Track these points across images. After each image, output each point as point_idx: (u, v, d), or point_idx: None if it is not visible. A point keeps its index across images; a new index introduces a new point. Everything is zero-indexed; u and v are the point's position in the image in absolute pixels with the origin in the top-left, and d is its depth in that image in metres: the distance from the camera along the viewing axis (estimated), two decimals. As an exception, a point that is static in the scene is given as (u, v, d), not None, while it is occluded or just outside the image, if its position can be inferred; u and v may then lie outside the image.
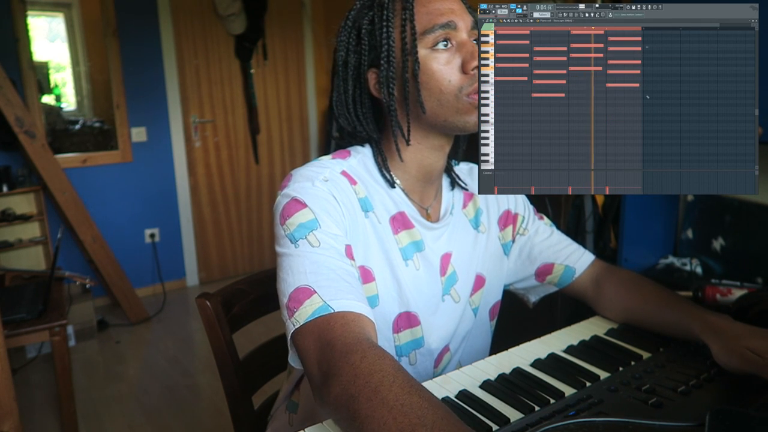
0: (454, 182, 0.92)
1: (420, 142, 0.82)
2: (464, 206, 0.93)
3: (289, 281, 0.69)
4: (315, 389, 0.62)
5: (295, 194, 0.75)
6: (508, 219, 0.97)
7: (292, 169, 0.81)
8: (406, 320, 0.83)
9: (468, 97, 0.76)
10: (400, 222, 0.83)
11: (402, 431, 0.50)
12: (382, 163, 0.83)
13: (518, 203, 0.99)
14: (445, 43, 0.76)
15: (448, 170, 0.93)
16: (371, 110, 0.83)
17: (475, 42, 0.76)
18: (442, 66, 0.76)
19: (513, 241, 0.98)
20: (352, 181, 0.80)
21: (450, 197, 0.91)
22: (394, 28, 0.77)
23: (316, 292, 0.67)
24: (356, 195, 0.79)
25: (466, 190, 0.94)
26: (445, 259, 0.87)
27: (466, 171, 0.98)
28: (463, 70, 0.75)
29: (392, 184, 0.83)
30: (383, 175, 0.83)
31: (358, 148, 0.85)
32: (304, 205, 0.73)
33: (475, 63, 0.73)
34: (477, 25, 0.76)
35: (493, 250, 0.95)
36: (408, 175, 0.84)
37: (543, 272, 0.98)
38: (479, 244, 0.92)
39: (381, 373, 0.55)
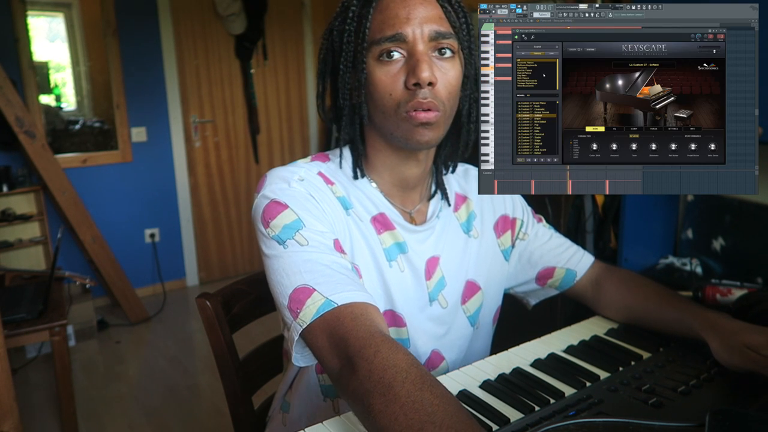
0: (437, 191, 0.89)
1: (385, 148, 0.80)
2: (456, 209, 0.91)
3: (286, 283, 0.69)
4: (335, 382, 0.63)
5: (274, 196, 0.74)
6: (505, 224, 0.95)
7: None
8: (392, 319, 0.82)
9: (407, 113, 0.72)
10: (381, 223, 0.82)
11: (411, 427, 0.51)
12: (356, 160, 0.82)
13: (516, 207, 0.97)
14: (390, 54, 0.72)
15: (438, 177, 0.89)
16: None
17: (439, 53, 0.73)
18: (384, 77, 0.73)
19: (513, 246, 0.96)
20: (329, 182, 0.80)
21: (438, 200, 0.89)
22: (353, 33, 0.75)
23: (315, 290, 0.67)
24: (334, 194, 0.79)
25: (449, 205, 0.90)
26: (432, 263, 0.85)
27: (461, 172, 0.96)
28: (405, 84, 0.72)
29: (357, 177, 0.81)
30: (354, 170, 0.82)
31: (337, 151, 0.84)
32: (285, 206, 0.73)
33: (415, 79, 0.70)
34: (457, 33, 0.74)
35: (490, 257, 0.92)
36: (383, 179, 0.83)
37: (544, 276, 0.97)
38: (470, 249, 0.90)
39: (394, 369, 0.56)
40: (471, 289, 0.90)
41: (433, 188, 0.89)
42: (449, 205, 0.90)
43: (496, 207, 0.95)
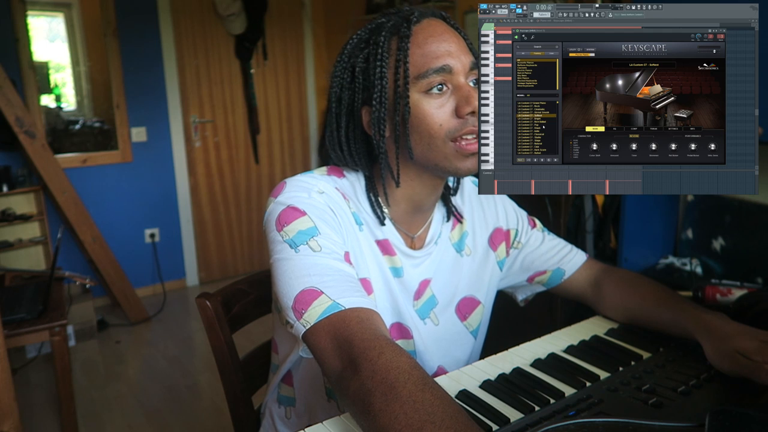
0: (450, 214, 0.91)
1: (412, 179, 0.81)
2: (451, 230, 0.92)
3: (293, 284, 0.69)
4: (335, 384, 0.64)
5: (291, 202, 0.75)
6: (500, 237, 0.96)
7: (292, 170, 0.82)
8: (398, 331, 0.84)
9: (457, 143, 0.74)
10: (384, 247, 0.84)
11: (411, 426, 0.51)
12: (374, 199, 0.82)
13: (509, 218, 0.98)
14: (439, 86, 0.74)
15: (446, 200, 0.91)
16: (364, 146, 0.82)
17: (473, 83, 0.76)
18: (434, 110, 0.74)
19: (507, 255, 0.98)
20: (345, 197, 0.81)
21: (439, 225, 0.90)
22: (387, 68, 0.76)
23: (323, 292, 0.68)
24: (350, 209, 0.80)
25: (460, 222, 0.92)
26: (423, 284, 0.87)
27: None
28: (457, 114, 0.74)
29: (383, 222, 0.82)
30: (374, 211, 0.82)
31: (351, 170, 0.85)
32: (303, 213, 0.74)
33: (470, 108, 0.73)
34: (477, 64, 0.75)
35: (488, 271, 0.94)
36: (397, 207, 0.84)
37: (534, 276, 0.99)
38: (462, 267, 0.91)
39: (397, 370, 0.57)
40: (470, 304, 0.92)
41: (441, 209, 0.91)
42: (460, 221, 0.92)
43: (489, 221, 0.96)
